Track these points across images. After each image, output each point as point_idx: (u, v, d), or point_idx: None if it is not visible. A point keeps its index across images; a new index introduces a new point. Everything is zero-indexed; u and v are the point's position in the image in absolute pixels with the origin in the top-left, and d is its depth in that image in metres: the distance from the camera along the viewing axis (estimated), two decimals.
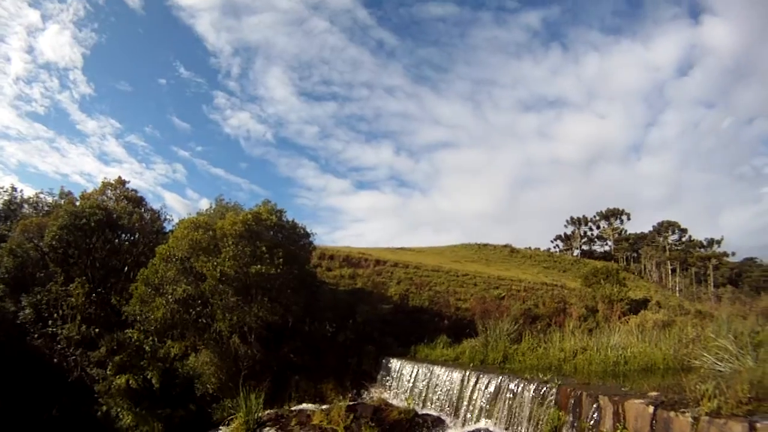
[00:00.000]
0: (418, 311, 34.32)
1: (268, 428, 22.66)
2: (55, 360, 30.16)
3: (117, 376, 27.49)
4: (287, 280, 26.36)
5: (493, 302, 34.51)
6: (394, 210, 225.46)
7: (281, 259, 25.63)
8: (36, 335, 30.94)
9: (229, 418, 24.17)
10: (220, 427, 24.65)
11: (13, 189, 48.16)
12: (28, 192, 77.03)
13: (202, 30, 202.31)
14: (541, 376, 16.97)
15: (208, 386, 27.02)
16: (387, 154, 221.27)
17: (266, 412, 24.20)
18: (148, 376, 27.30)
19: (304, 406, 24.97)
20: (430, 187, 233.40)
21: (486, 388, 18.68)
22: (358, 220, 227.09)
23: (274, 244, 26.83)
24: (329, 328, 28.38)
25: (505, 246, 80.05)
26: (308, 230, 30.92)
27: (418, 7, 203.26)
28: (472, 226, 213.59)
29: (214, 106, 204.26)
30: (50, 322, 30.71)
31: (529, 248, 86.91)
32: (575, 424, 14.17)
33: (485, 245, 78.47)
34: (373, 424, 20.21)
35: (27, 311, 31.10)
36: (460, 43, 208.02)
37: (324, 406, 23.66)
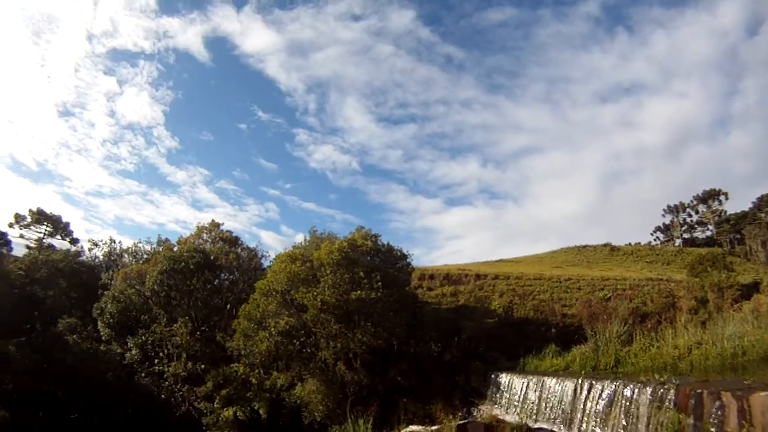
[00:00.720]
0: (523, 322, 34.72)
1: None
2: (163, 396, 33.24)
3: (225, 409, 29.94)
4: (388, 303, 27.55)
5: (599, 305, 34.26)
6: (488, 223, 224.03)
7: (380, 283, 26.75)
8: (143, 374, 34.02)
9: None
10: None
11: (112, 241, 53.06)
12: (127, 243, 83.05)
13: (273, 72, 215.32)
14: (657, 378, 16.40)
15: (316, 414, 28.23)
16: (473, 168, 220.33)
17: None
18: (256, 407, 29.56)
19: (413, 428, 25.49)
20: (521, 196, 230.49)
21: (600, 395, 18.22)
22: (453, 237, 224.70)
23: (372, 268, 28.07)
24: (435, 347, 29.03)
25: (605, 245, 78.79)
26: (405, 252, 32.00)
27: (478, 16, 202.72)
28: (567, 229, 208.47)
29: (297, 143, 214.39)
30: (156, 361, 33.76)
31: (629, 244, 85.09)
32: (697, 426, 13.47)
33: (584, 247, 77.48)
34: None
35: (133, 352, 34.19)
36: (525, 45, 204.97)
37: (434, 427, 24.03)
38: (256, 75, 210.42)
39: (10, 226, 57.63)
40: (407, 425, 25.93)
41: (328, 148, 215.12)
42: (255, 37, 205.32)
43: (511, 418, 22.99)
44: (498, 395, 26.06)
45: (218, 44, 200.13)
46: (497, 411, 24.95)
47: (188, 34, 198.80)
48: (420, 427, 25.14)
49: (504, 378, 26.14)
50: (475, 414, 26.04)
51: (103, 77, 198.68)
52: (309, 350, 28.43)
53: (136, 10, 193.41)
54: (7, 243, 51.48)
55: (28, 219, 59.00)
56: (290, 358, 29.20)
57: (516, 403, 23.84)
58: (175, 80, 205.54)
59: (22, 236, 58.92)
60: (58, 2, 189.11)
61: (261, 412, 29.43)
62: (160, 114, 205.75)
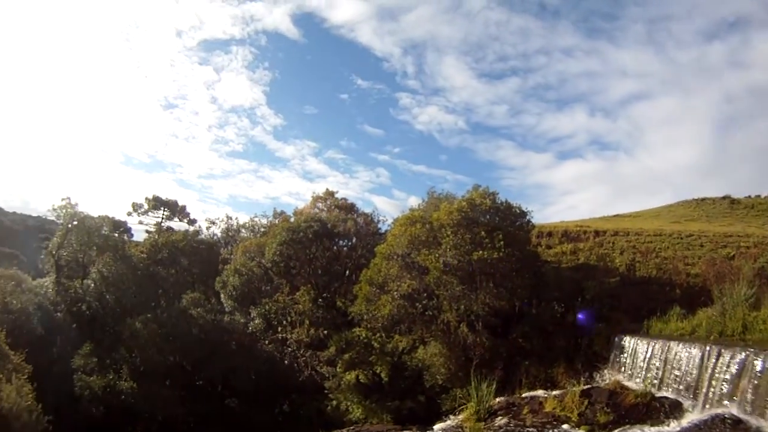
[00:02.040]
0: (645, 282, 34.46)
1: (499, 417, 22.81)
2: (286, 362, 38.03)
3: (347, 373, 33.77)
4: (510, 263, 29.32)
5: (724, 264, 33.34)
6: (601, 176, 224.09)
7: (501, 242, 28.63)
8: (266, 341, 38.64)
9: (459, 408, 26.44)
10: (450, 417, 27.41)
11: (229, 218, 60.01)
12: (243, 218, 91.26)
13: (366, 40, 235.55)
14: None
15: (438, 377, 30.75)
16: (582, 119, 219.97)
17: (497, 400, 24.85)
18: (377, 371, 33.01)
19: (536, 392, 25.82)
20: (633, 146, 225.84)
21: (728, 365, 18.16)
22: (566, 192, 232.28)
23: (492, 227, 30.16)
24: (557, 308, 30.04)
25: (724, 198, 76.64)
26: (524, 209, 33.38)
27: None
28: (683, 181, 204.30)
29: (400, 107, 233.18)
30: (279, 328, 38.28)
31: (750, 197, 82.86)
32: None
33: (702, 200, 75.52)
34: (609, 410, 20.60)
35: (257, 321, 39.08)
36: None
37: (556, 392, 24.43)
38: (350, 44, 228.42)
39: (129, 214, 66.24)
40: (529, 389, 27.21)
41: (433, 109, 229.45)
42: (342, 8, 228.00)
43: (634, 384, 23.33)
44: (621, 360, 26.32)
45: (306, 20, 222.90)
46: (620, 377, 25.11)
47: (274, 14, 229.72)
48: (542, 392, 25.76)
49: (627, 342, 26.44)
50: (597, 379, 26.59)
51: (198, 68, 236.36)
52: (431, 313, 30.85)
53: (217, 0, 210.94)
54: (128, 230, 59.06)
55: (146, 206, 66.73)
56: (412, 321, 32.10)
57: (639, 369, 24.23)
58: (270, 61, 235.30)
59: (141, 222, 67.51)
60: (141, 7, 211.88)
61: (382, 375, 32.60)
62: (260, 94, 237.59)
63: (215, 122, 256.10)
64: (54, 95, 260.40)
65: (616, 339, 27.65)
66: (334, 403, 33.60)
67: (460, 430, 23.77)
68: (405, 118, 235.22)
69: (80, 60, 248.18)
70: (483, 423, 22.61)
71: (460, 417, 25.17)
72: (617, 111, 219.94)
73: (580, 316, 30.66)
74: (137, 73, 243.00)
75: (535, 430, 20.88)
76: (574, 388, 23.11)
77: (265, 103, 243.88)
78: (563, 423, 21.11)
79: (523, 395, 26.08)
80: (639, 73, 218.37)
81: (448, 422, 26.40)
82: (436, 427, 26.09)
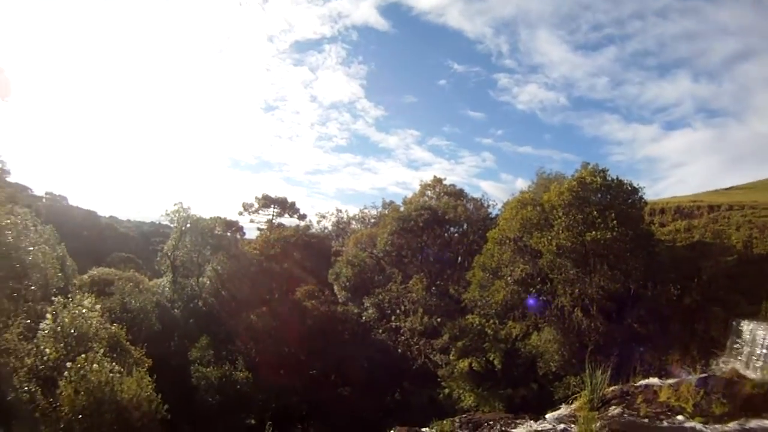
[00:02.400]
0: (764, 260, 32.75)
1: (613, 407, 22.16)
2: (399, 350, 40.27)
3: (460, 360, 35.56)
4: (623, 243, 29.81)
5: None
6: (711, 145, 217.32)
7: (614, 222, 29.31)
8: (380, 330, 41.73)
9: (573, 396, 25.46)
10: (562, 405, 26.16)
11: (338, 211, 65.27)
12: (353, 211, 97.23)
13: (456, 23, 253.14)
14: None
15: (551, 364, 31.90)
16: (685, 84, 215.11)
17: (610, 388, 24.17)
18: (491, 358, 34.62)
19: (650, 380, 25.13)
20: (743, 110, 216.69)
21: None
22: (676, 165, 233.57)
23: (604, 206, 30.97)
24: (673, 290, 29.62)
25: None
26: (635, 185, 33.52)
27: None
28: None
29: (499, 88, 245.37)
30: (392, 317, 41.03)
31: None
32: None
33: None
34: (725, 401, 19.80)
35: (370, 311, 42.22)
36: None
37: (671, 380, 23.29)
38: (441, 29, 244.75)
39: (240, 214, 70.98)
40: (644, 377, 26.25)
41: (532, 87, 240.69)
42: None
43: (752, 373, 22.45)
44: (739, 346, 25.72)
45: (393, 10, 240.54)
46: (737, 364, 24.46)
47: (361, 8, 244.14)
48: (656, 380, 24.94)
49: (745, 326, 25.79)
50: (713, 367, 26.03)
51: (294, 69, 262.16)
52: (545, 297, 32.38)
53: (303, 2, 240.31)
54: (240, 229, 64.34)
55: (256, 205, 71.58)
56: (526, 306, 33.66)
57: (758, 357, 23.70)
58: (364, 54, 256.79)
59: (252, 221, 72.15)
60: (230, 19, 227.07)
61: (495, 362, 34.19)
62: (358, 88, 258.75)
63: (317, 119, 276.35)
64: (162, 109, 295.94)
65: (734, 323, 27.05)
66: (447, 391, 35.68)
67: (573, 419, 22.31)
68: (505, 99, 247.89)
69: (183, 74, 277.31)
70: (596, 412, 21.70)
71: (573, 406, 24.44)
72: (721, 73, 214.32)
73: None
74: (236, 80, 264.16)
75: (648, 420, 20.15)
76: (690, 377, 22.41)
77: (363, 96, 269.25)
78: (678, 413, 20.21)
79: (637, 383, 24.98)
80: (740, 29, 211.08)
81: (561, 411, 24.83)
82: (549, 416, 24.33)
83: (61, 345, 21.90)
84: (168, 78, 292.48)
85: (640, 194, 33.78)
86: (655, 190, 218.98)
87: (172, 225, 56.94)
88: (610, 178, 33.01)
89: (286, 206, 71.85)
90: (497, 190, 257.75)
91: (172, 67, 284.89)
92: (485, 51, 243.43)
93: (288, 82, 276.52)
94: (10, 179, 59.94)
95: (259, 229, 71.60)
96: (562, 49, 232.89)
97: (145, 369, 23.73)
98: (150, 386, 21.48)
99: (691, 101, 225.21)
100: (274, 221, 71.13)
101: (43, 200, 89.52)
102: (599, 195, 32.42)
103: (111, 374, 19.49)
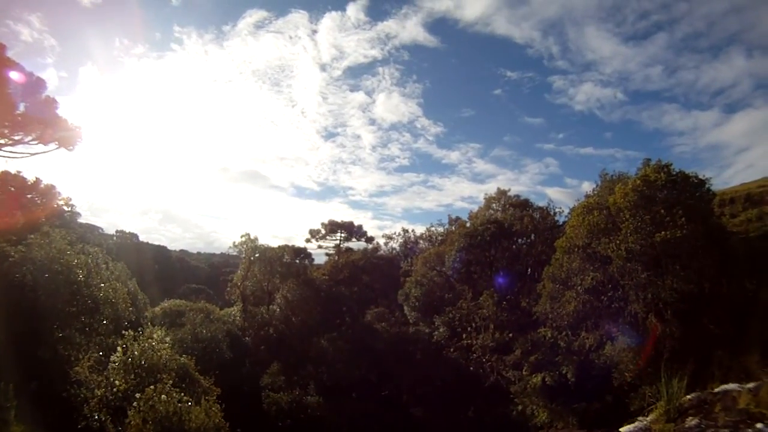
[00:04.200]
0: None
1: (690, 417, 24.76)
2: (471, 368, 40.96)
3: (532, 375, 36.01)
4: (694, 240, 29.80)
5: None
6: None
7: (682, 219, 29.49)
8: (451, 349, 42.76)
9: (648, 408, 28.03)
10: (638, 418, 29.05)
11: (405, 231, 67.14)
12: (419, 230, 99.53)
13: (503, 30, 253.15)
14: None
15: (626, 374, 31.81)
16: (740, 62, 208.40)
17: (688, 397, 25.72)
18: (563, 372, 34.88)
19: (729, 386, 26.98)
20: None
21: None
22: (742, 149, 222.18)
23: (671, 203, 31.04)
24: (749, 286, 30.28)
25: None
26: (701, 176, 33.49)
27: None
28: None
29: (555, 90, 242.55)
30: (464, 335, 42.05)
31: None
32: None
33: None
34: None
35: (441, 330, 43.36)
36: None
37: (750, 385, 25.00)
38: (489, 39, 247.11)
39: (307, 241, 73.98)
40: (722, 382, 27.65)
41: (588, 86, 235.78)
42: (470, 5, 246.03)
43: None
44: None
45: (440, 25, 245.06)
46: None
47: (408, 28, 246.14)
48: (735, 385, 26.45)
49: None
50: None
51: (351, 94, 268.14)
52: (617, 305, 32.43)
53: (351, 28, 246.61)
54: (308, 255, 66.28)
55: (322, 231, 74.07)
56: (598, 315, 33.87)
57: None
58: (417, 73, 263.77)
59: (320, 247, 74.99)
60: (281, 52, 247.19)
61: (569, 375, 34.41)
62: (415, 107, 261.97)
63: (377, 142, 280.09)
64: (224, 145, 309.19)
65: None
66: (520, 407, 36.10)
67: None
68: (562, 101, 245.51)
69: (242, 110, 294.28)
70: (673, 424, 24.07)
71: (649, 418, 26.99)
72: None
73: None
74: (294, 111, 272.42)
75: (728, 430, 21.87)
76: None
77: (422, 114, 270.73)
78: (758, 421, 21.85)
79: (716, 390, 25.39)
80: None
81: (636, 424, 26.61)
82: (623, 429, 27.44)
83: (131, 377, 23.28)
84: (228, 112, 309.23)
85: (707, 186, 33.80)
86: (722, 179, 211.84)
87: (241, 256, 59.32)
88: (674, 173, 33.17)
89: (352, 230, 74.17)
90: (563, 195, 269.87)
91: (231, 103, 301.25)
92: (536, 55, 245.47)
93: (346, 108, 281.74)
94: (81, 221, 63.98)
95: (327, 254, 74.51)
96: (611, 42, 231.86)
97: (213, 398, 24.99)
98: (218, 414, 22.75)
99: (749, 79, 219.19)
100: (341, 246, 73.46)
101: (114, 238, 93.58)
102: (665, 192, 32.49)
103: (179, 404, 20.68)
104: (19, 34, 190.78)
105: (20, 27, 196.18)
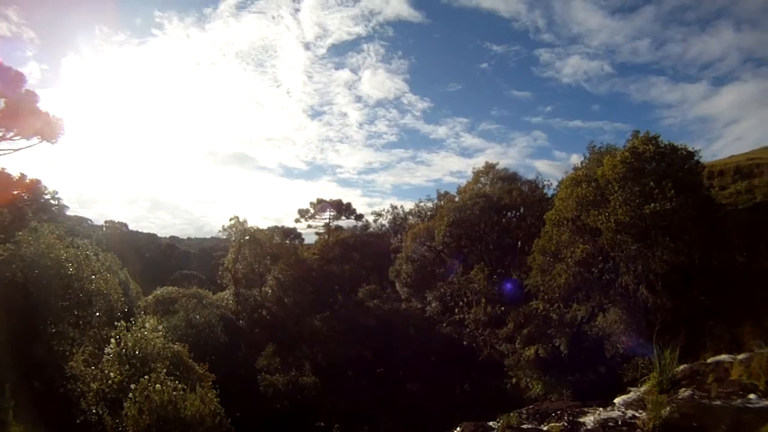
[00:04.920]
0: None
1: (683, 388, 25.05)
2: (465, 342, 41.42)
3: (526, 348, 36.48)
4: (684, 212, 29.98)
5: None
6: (764, 97, 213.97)
7: (672, 191, 29.70)
8: (444, 324, 43.23)
9: (642, 378, 28.24)
10: (631, 389, 29.52)
11: (394, 207, 67.53)
12: (408, 205, 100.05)
13: (489, 4, 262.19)
14: None
15: (618, 346, 32.32)
16: (728, 36, 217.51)
17: (680, 368, 26.08)
18: (556, 344, 35.32)
19: (721, 357, 27.32)
20: None
21: None
22: (730, 122, 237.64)
23: (660, 175, 31.24)
24: (739, 257, 30.90)
25: None
26: (690, 149, 33.83)
27: None
28: None
29: (542, 64, 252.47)
30: (456, 310, 42.46)
31: None
32: None
33: None
34: None
35: (433, 305, 43.83)
36: None
37: (742, 356, 24.75)
38: (474, 13, 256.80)
39: (297, 221, 73.81)
40: (714, 353, 27.49)
41: (575, 59, 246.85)
42: None
43: None
44: None
45: (424, 0, 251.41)
46: None
47: (391, 4, 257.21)
48: (727, 356, 26.38)
49: None
50: None
51: (336, 72, 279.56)
52: (608, 277, 32.80)
53: (333, 6, 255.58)
54: (298, 236, 67.07)
55: (312, 211, 74.00)
56: (589, 287, 34.20)
57: None
58: (403, 49, 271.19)
59: (309, 226, 74.84)
60: (263, 32, 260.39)
61: (562, 348, 34.86)
62: (402, 83, 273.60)
63: (364, 119, 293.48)
64: (208, 127, 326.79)
65: None
66: (514, 380, 36.64)
67: (642, 403, 26.13)
68: (549, 74, 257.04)
69: (225, 91, 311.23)
70: (666, 395, 24.45)
71: (642, 389, 27.33)
72: (763, 18, 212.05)
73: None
74: (279, 91, 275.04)
75: (720, 402, 22.11)
76: (761, 351, 23.94)
77: (408, 90, 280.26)
78: (750, 392, 22.10)
79: (708, 361, 25.73)
80: None
81: (630, 395, 27.45)
82: (617, 400, 27.78)
83: (126, 368, 23.43)
84: (213, 96, 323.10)
85: (696, 158, 34.05)
86: (711, 151, 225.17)
87: (231, 239, 59.60)
88: (663, 145, 33.42)
89: (342, 208, 74.13)
90: (552, 168, 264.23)
91: (216, 86, 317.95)
92: (522, 28, 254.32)
93: (331, 86, 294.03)
94: (70, 213, 64.09)
95: (317, 233, 74.38)
96: (598, 15, 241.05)
97: (209, 384, 25.47)
98: (214, 401, 23.04)
99: (737, 53, 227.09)
100: (331, 224, 73.51)
101: (103, 229, 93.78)
102: (654, 164, 32.72)
103: (174, 392, 20.95)
104: None
105: None
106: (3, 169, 36.59)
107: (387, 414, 40.84)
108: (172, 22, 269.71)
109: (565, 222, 34.71)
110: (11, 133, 35.63)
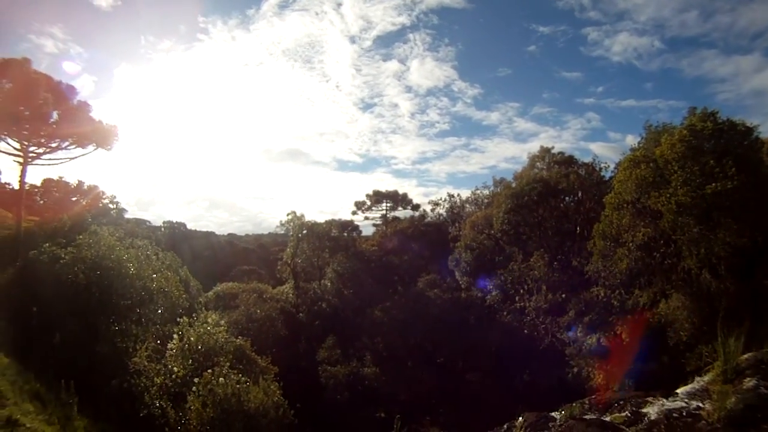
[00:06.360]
0: None
1: (748, 378, 24.25)
2: (525, 331, 41.64)
3: (587, 337, 36.25)
4: (745, 191, 29.10)
5: None
6: None
7: (733, 169, 28.90)
8: (505, 312, 43.50)
9: (705, 368, 27.40)
10: (695, 379, 28.68)
11: (450, 196, 67.90)
12: (465, 194, 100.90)
13: None
14: None
15: (681, 333, 31.63)
16: None
17: (744, 356, 25.52)
18: (618, 332, 34.86)
19: None
20: None
21: None
22: None
23: (720, 153, 30.49)
24: None
25: None
26: (748, 124, 32.69)
27: None
28: None
29: (590, 42, 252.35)
30: (517, 298, 42.73)
31: None
32: None
33: None
34: None
35: (494, 293, 44.14)
36: None
37: None
38: None
39: (353, 213, 75.50)
40: None
41: (623, 36, 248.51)
42: None
43: None
44: None
45: None
46: None
47: None
48: None
49: None
50: None
51: (384, 64, 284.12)
52: (670, 261, 32.27)
53: None
54: (356, 228, 67.88)
55: (368, 203, 75.28)
56: (651, 272, 33.79)
57: None
58: (449, 36, 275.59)
59: (367, 218, 76.42)
60: (308, 29, 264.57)
61: (623, 336, 34.37)
62: (450, 71, 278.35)
63: (415, 109, 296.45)
64: (266, 129, 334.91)
65: None
66: (575, 370, 36.40)
67: (706, 393, 25.43)
68: (599, 53, 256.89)
69: (277, 91, 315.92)
70: (731, 385, 23.75)
71: (706, 378, 26.65)
72: None
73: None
74: (328, 86, 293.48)
75: None
76: None
77: (457, 77, 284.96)
78: None
79: None
80: None
81: (693, 385, 26.64)
82: (680, 390, 27.24)
83: (189, 362, 24.61)
84: (264, 94, 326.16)
85: (755, 134, 32.99)
86: None
87: (288, 234, 60.82)
88: (721, 121, 32.53)
89: (398, 199, 75.22)
90: (608, 150, 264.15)
91: (266, 85, 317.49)
92: (567, 7, 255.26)
93: (380, 78, 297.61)
94: (128, 216, 66.29)
95: (374, 225, 75.84)
96: None
97: (271, 376, 26.28)
98: (277, 393, 23.75)
99: None
100: (388, 216, 74.46)
101: (162, 230, 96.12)
102: (713, 141, 31.93)
103: (237, 385, 21.62)
104: (43, 47, 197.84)
105: (43, 40, 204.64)
106: (61, 177, 38.23)
107: (447, 404, 41.24)
108: (216, 26, 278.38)
109: (625, 205, 34.05)
110: (66, 143, 37.26)
